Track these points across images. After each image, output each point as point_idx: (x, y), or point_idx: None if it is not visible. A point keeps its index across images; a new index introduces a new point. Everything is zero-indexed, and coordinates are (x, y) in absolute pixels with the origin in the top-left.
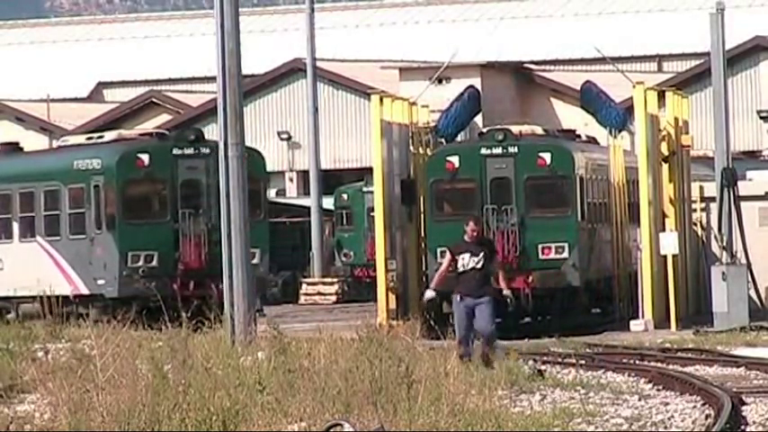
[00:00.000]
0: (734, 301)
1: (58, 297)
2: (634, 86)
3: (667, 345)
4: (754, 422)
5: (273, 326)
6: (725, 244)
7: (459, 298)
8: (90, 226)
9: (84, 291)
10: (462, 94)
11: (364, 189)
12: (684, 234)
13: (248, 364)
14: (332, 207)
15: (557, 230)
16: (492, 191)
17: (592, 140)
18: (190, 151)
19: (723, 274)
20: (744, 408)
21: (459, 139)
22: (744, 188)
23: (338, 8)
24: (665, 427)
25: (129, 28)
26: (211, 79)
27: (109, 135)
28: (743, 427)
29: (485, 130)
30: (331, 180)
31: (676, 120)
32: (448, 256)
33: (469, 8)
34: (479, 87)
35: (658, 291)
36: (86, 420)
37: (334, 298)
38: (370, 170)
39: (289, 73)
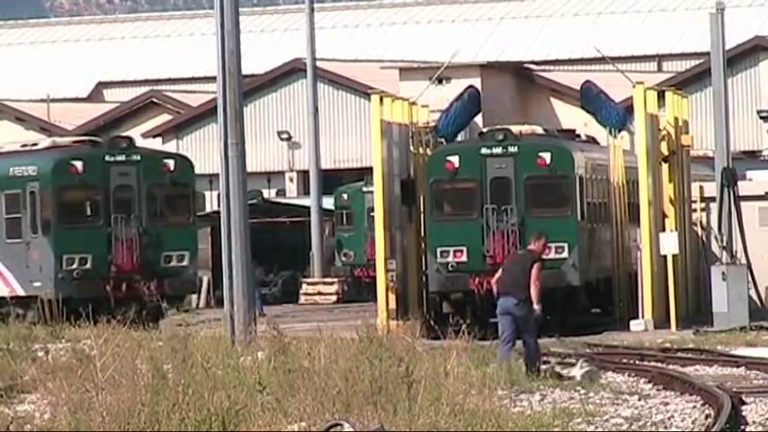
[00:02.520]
0: (734, 301)
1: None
2: (634, 86)
3: (667, 345)
4: (754, 422)
5: (273, 326)
6: (725, 244)
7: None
8: (26, 230)
9: (21, 292)
10: (462, 94)
11: (364, 189)
12: (684, 234)
13: (248, 364)
14: (332, 207)
15: (557, 230)
16: (492, 191)
17: (592, 140)
18: (121, 158)
19: (723, 274)
20: (744, 408)
21: (459, 139)
22: (744, 188)
23: (338, 8)
24: (665, 427)
25: (129, 28)
26: (211, 79)
27: (43, 142)
28: (743, 427)
29: (485, 130)
30: (331, 180)
31: (676, 120)
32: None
33: (469, 8)
34: (479, 87)
35: (658, 291)
36: (86, 420)
37: (334, 298)
38: (370, 170)
39: (289, 73)
